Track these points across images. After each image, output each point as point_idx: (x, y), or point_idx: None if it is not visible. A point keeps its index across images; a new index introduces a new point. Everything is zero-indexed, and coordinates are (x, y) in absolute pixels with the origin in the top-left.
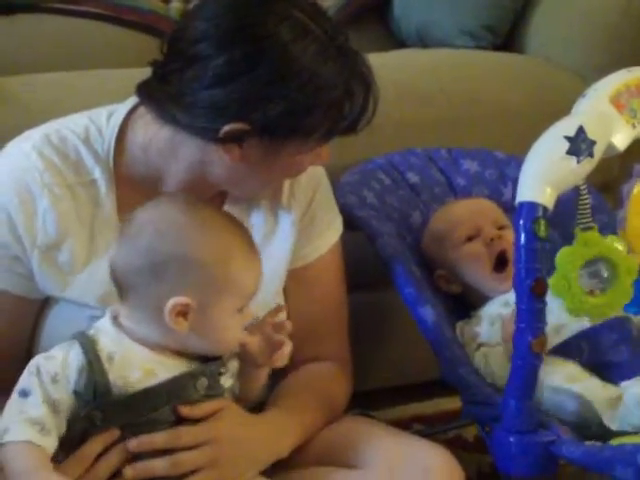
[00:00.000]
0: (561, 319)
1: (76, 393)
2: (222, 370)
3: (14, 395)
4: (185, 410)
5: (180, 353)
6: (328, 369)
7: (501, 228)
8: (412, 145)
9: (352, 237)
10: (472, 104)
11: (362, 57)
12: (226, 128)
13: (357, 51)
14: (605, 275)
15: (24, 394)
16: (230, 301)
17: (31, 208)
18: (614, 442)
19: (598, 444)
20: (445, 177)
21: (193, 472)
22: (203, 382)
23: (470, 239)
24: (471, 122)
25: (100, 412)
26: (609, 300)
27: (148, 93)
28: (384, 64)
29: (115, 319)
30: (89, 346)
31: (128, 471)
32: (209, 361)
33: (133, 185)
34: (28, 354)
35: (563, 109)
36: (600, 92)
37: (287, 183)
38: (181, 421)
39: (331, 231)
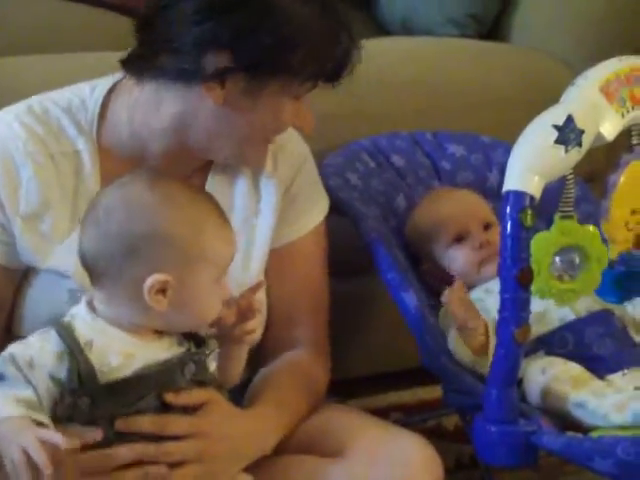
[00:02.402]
0: (543, 305)
1: (55, 379)
2: (207, 352)
3: None
4: (170, 397)
5: (159, 332)
6: (308, 356)
7: (488, 226)
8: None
9: (333, 222)
10: (457, 93)
11: (343, 7)
12: (211, 64)
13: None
14: (576, 262)
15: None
16: (207, 272)
17: (14, 176)
18: (594, 434)
19: (579, 435)
20: (430, 161)
21: (179, 465)
22: (191, 367)
23: (457, 240)
24: (456, 111)
25: (87, 398)
26: (576, 287)
27: (130, 57)
28: (368, 52)
29: (90, 304)
30: (66, 333)
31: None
32: (189, 337)
33: (117, 156)
34: (8, 330)
35: (549, 97)
36: (590, 81)
37: (271, 155)
38: (167, 409)
39: (314, 213)
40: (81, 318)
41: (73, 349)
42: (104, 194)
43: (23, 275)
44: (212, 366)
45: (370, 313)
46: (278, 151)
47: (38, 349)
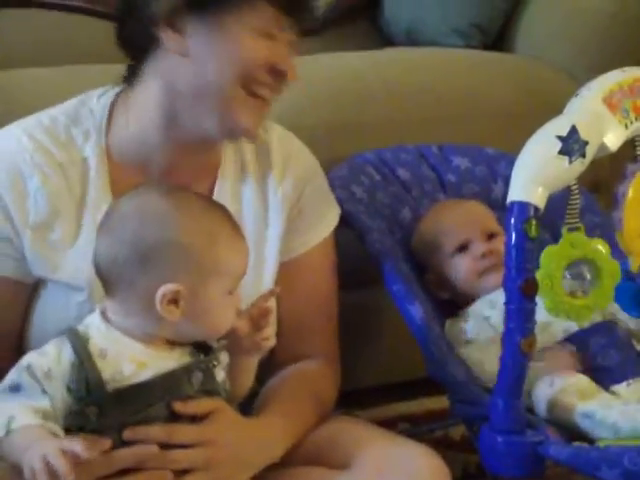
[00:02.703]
0: (547, 317)
1: (70, 390)
2: (215, 362)
3: (4, 391)
4: (178, 405)
5: (172, 342)
6: (317, 367)
7: (491, 236)
8: (401, 144)
9: (339, 234)
10: (462, 103)
11: None
12: (161, 6)
13: None
14: (588, 277)
15: (15, 389)
16: (220, 283)
17: (22, 189)
18: (601, 444)
19: (585, 445)
20: (436, 173)
21: (187, 473)
22: (198, 376)
23: (460, 250)
24: (461, 121)
25: (95, 407)
26: (589, 303)
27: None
28: (374, 62)
29: (104, 314)
30: (79, 343)
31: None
32: (201, 348)
33: (124, 161)
34: (19, 343)
35: (553, 108)
36: (593, 92)
37: (280, 162)
38: (176, 419)
39: (323, 225)
40: (95, 327)
41: (82, 358)
42: (119, 203)
43: (33, 289)
44: (220, 376)
45: (377, 324)
46: (287, 160)
47: (55, 359)
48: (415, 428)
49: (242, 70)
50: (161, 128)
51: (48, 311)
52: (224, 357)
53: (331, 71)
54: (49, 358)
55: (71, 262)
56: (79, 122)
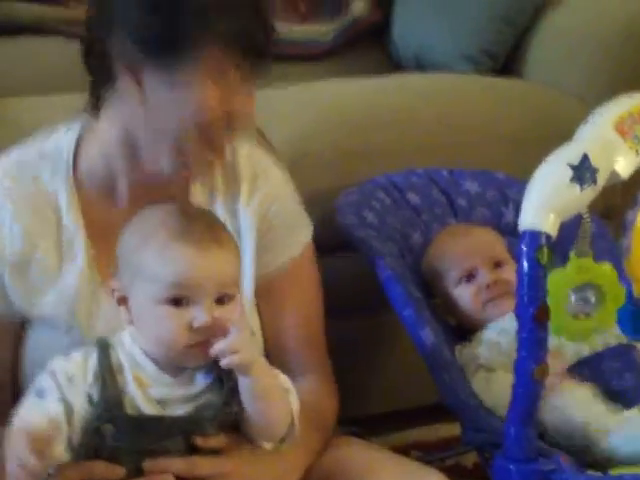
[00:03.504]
0: (559, 342)
1: (91, 399)
2: (235, 408)
3: (31, 393)
4: (200, 441)
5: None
6: (313, 386)
7: (499, 264)
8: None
9: (349, 258)
10: (472, 129)
11: None
12: (119, 52)
13: None
14: (592, 301)
15: (40, 394)
16: (146, 290)
17: None
18: (614, 472)
19: (598, 474)
20: (446, 197)
21: None
22: (217, 417)
23: (466, 278)
24: (471, 147)
25: (112, 426)
26: (591, 325)
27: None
28: (383, 88)
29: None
30: (103, 352)
31: None
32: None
33: (94, 196)
34: (14, 384)
35: (563, 134)
36: (604, 118)
37: (247, 183)
38: (193, 451)
39: (295, 239)
40: (121, 340)
41: (105, 370)
42: None
43: (20, 328)
44: (235, 407)
45: (389, 349)
46: (252, 183)
47: (79, 364)
48: (427, 455)
49: (197, 118)
50: (125, 159)
51: (38, 348)
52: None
53: (341, 96)
54: (74, 363)
55: (52, 298)
56: (47, 156)
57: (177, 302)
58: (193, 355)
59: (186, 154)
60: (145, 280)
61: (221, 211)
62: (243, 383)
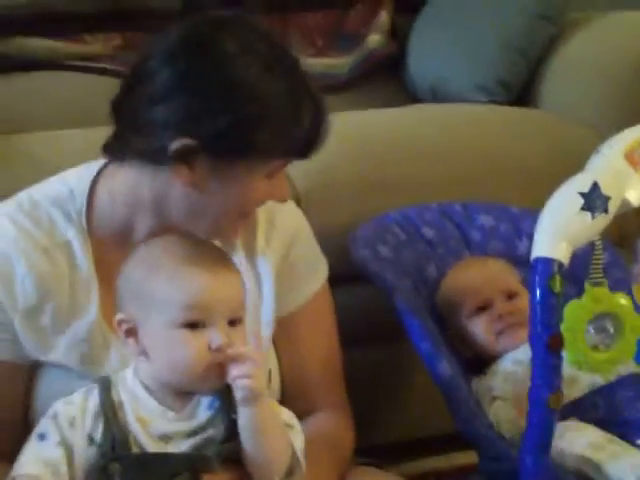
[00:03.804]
0: (573, 371)
1: (92, 440)
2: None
3: (33, 437)
4: (208, 478)
5: (189, 394)
6: (331, 421)
7: (512, 295)
8: (427, 202)
9: (366, 289)
10: (487, 160)
11: (312, 81)
12: (174, 144)
13: (306, 73)
14: (611, 331)
15: (41, 437)
16: (161, 317)
17: (9, 274)
18: None
19: None
20: (460, 232)
21: None
22: (221, 450)
23: (479, 310)
24: (486, 178)
25: (119, 464)
26: (612, 356)
27: (109, 142)
28: (398, 120)
29: (137, 368)
30: (105, 391)
31: None
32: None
33: (107, 242)
34: (26, 423)
35: (578, 164)
36: (614, 148)
37: (262, 232)
38: None
39: (313, 279)
40: (123, 378)
41: (107, 409)
42: None
43: (32, 371)
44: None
45: (404, 378)
46: (269, 227)
47: (80, 407)
48: None
49: (241, 207)
50: (152, 216)
51: (50, 392)
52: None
53: (357, 129)
54: (75, 406)
55: (64, 345)
56: (59, 204)
57: (193, 326)
58: (209, 379)
59: (221, 226)
60: (159, 307)
61: (237, 258)
62: (244, 415)
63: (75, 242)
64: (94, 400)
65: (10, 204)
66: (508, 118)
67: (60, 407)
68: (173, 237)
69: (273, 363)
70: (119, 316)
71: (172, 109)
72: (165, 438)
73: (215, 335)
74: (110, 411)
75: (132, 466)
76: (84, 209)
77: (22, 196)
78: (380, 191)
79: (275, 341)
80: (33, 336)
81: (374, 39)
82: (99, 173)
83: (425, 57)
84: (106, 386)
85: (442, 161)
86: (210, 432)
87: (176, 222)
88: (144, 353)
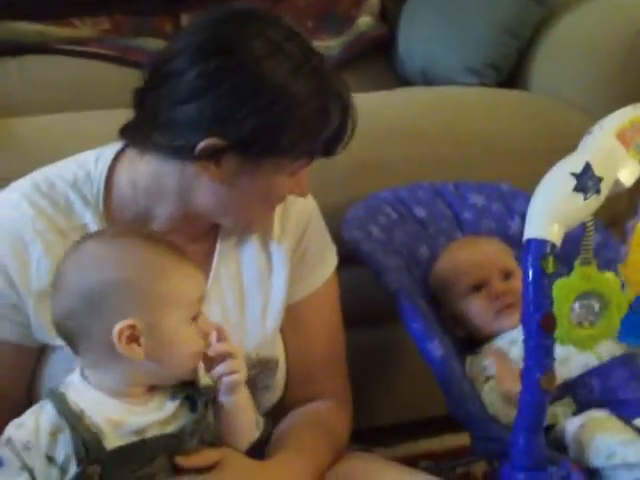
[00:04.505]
0: (566, 351)
1: (50, 459)
2: (209, 419)
3: None
4: (180, 460)
5: (152, 390)
6: (330, 406)
7: (509, 274)
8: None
9: (357, 272)
10: (477, 142)
11: (339, 78)
12: (202, 144)
13: (333, 71)
14: (596, 309)
15: None
16: (177, 313)
17: (25, 256)
18: None
19: None
20: (452, 211)
21: None
22: (197, 434)
23: (475, 289)
24: (476, 160)
25: (97, 466)
26: (595, 333)
27: (128, 127)
28: (388, 102)
29: (83, 372)
30: (60, 404)
31: None
32: (183, 389)
33: (126, 221)
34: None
35: (568, 145)
36: (606, 129)
37: (277, 219)
38: (181, 470)
39: (324, 266)
40: (74, 387)
41: (70, 419)
42: (61, 261)
43: (39, 354)
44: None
45: (396, 361)
46: (283, 216)
47: (32, 430)
48: (436, 465)
49: (267, 201)
50: (171, 210)
51: (57, 375)
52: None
53: None
54: (27, 429)
55: None
56: (77, 187)
57: (194, 319)
58: (195, 369)
59: (245, 219)
60: (174, 305)
61: (252, 245)
62: (226, 401)
63: (92, 225)
64: (46, 417)
65: (26, 184)
66: (498, 100)
67: (12, 432)
68: (137, 237)
69: (280, 351)
70: (127, 323)
71: (199, 109)
72: (140, 432)
73: (210, 326)
74: (74, 419)
75: (110, 463)
76: (101, 193)
77: (38, 176)
78: (371, 173)
79: (282, 329)
80: (44, 319)
81: (364, 21)
82: (116, 157)
83: (415, 39)
84: (61, 399)
85: (432, 143)
86: (181, 420)
87: (200, 213)
88: (149, 355)
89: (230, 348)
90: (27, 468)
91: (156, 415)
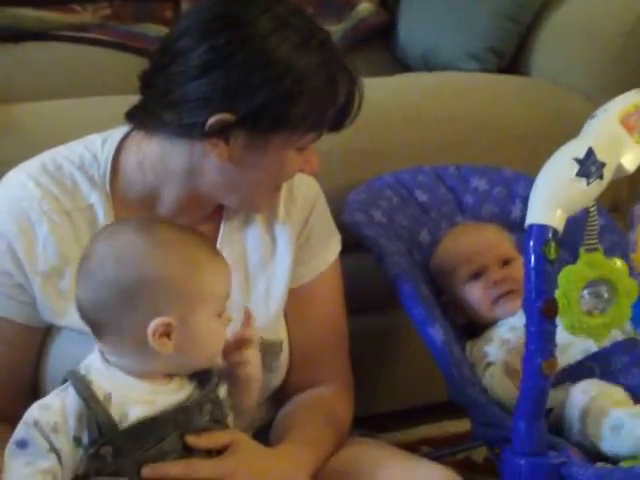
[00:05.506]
0: (568, 337)
1: (78, 441)
2: (220, 393)
3: (11, 446)
4: (191, 439)
5: (169, 375)
6: (332, 391)
7: (508, 261)
8: None
9: (359, 258)
10: (478, 127)
11: (344, 54)
12: (211, 120)
13: (339, 47)
14: (605, 296)
15: (22, 445)
16: (208, 309)
17: (31, 236)
18: (625, 464)
19: (609, 466)
20: (453, 195)
21: None
22: (208, 407)
23: (474, 277)
24: (477, 145)
25: (110, 447)
26: (606, 321)
27: (136, 109)
28: (390, 88)
29: (103, 354)
30: (83, 388)
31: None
32: (199, 376)
33: (131, 208)
34: (34, 388)
35: (569, 130)
36: (610, 113)
37: (283, 202)
38: (192, 450)
39: (328, 250)
40: (96, 369)
41: (90, 403)
42: (95, 245)
43: (46, 334)
44: (222, 393)
45: (397, 347)
46: (288, 199)
47: (60, 412)
48: (437, 451)
49: (279, 180)
50: (178, 190)
51: (63, 355)
52: (222, 386)
53: None
54: (54, 411)
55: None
56: (84, 168)
57: (220, 314)
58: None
59: (253, 198)
60: (208, 298)
61: (256, 228)
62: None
63: (98, 206)
64: (71, 400)
65: (33, 165)
66: (499, 85)
67: (37, 413)
68: (180, 232)
69: (284, 334)
70: (162, 321)
71: (208, 85)
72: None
73: (228, 317)
74: (94, 401)
75: (121, 443)
76: (108, 174)
77: (45, 157)
78: (372, 159)
79: (285, 312)
80: (51, 300)
81: (364, 7)
82: (123, 140)
83: (416, 25)
84: (82, 382)
85: (433, 129)
86: (197, 398)
87: (207, 193)
88: (177, 349)
89: (251, 336)
90: (54, 450)
91: (179, 395)
